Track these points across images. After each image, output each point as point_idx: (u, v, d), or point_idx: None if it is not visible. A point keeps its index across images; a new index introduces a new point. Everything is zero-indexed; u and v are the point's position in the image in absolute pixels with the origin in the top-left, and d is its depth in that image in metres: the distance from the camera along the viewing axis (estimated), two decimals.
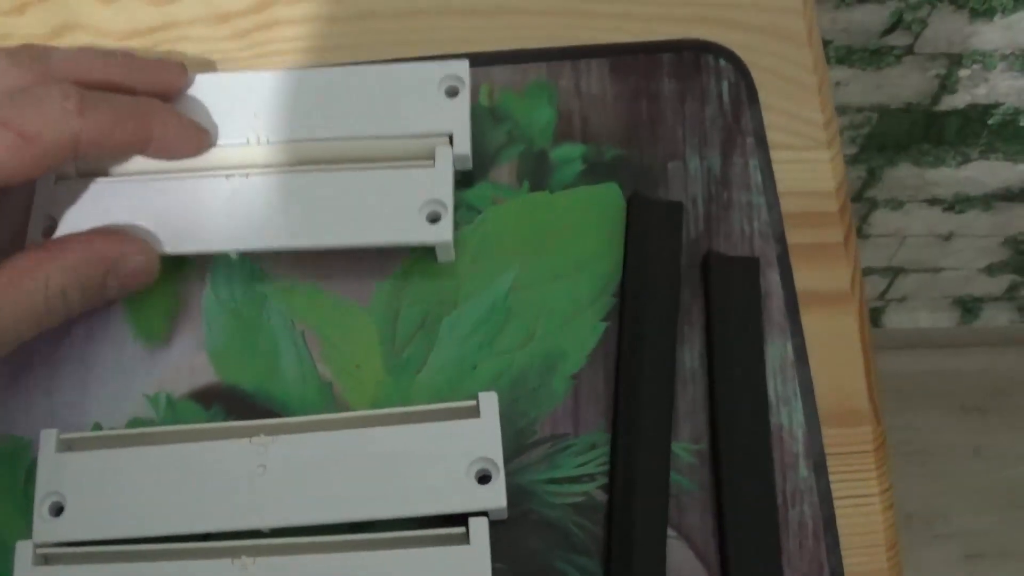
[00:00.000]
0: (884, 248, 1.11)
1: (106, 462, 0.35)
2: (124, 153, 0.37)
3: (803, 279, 0.39)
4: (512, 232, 0.40)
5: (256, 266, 0.39)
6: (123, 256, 0.36)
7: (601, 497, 0.36)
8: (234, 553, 0.34)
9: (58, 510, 0.35)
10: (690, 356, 0.38)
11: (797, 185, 0.41)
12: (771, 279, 0.39)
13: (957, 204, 1.02)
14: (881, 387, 0.39)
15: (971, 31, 0.78)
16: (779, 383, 0.38)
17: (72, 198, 0.38)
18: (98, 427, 0.37)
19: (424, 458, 0.35)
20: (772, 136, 0.41)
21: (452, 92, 0.39)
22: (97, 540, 0.34)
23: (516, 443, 0.37)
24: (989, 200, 1.02)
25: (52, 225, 0.38)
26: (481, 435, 0.35)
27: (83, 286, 0.35)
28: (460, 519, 0.34)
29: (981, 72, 0.83)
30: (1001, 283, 1.19)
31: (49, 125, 0.33)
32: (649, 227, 0.39)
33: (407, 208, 0.37)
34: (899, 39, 0.78)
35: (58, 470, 0.35)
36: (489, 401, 0.36)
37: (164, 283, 0.38)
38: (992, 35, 0.79)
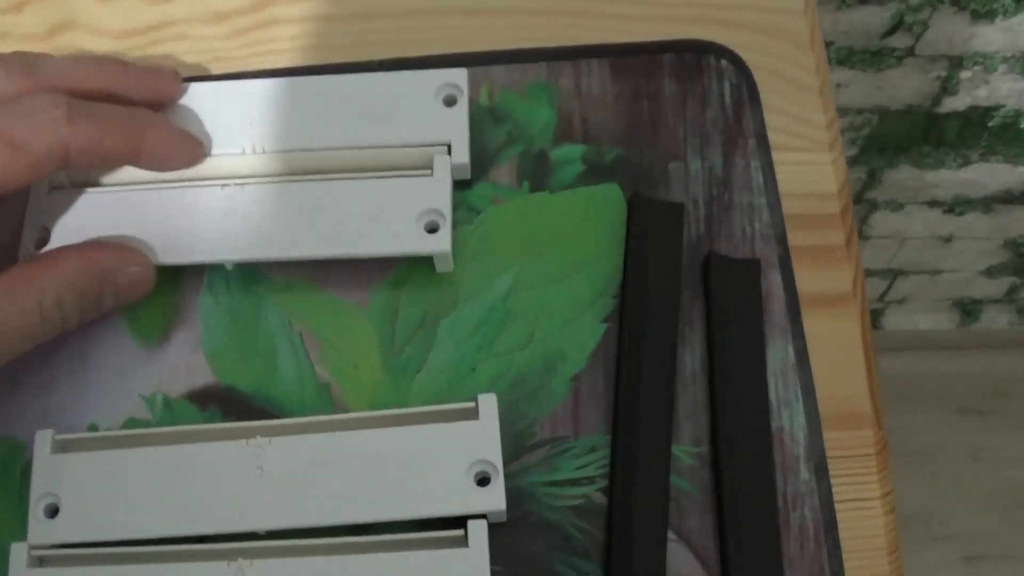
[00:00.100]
0: (884, 250, 1.11)
1: (102, 463, 0.35)
2: (116, 163, 0.36)
3: (804, 281, 0.39)
4: (512, 233, 0.39)
5: (253, 267, 0.39)
6: (119, 267, 0.36)
7: (601, 500, 0.36)
8: (231, 555, 0.34)
9: (53, 512, 0.34)
10: (691, 358, 0.38)
11: (799, 187, 0.40)
12: (772, 281, 0.39)
13: (957, 206, 1.02)
14: (882, 389, 0.39)
15: (972, 33, 0.78)
16: (780, 385, 0.38)
17: (66, 209, 0.38)
18: (94, 428, 0.37)
19: (423, 460, 0.35)
20: (774, 137, 0.41)
21: (450, 101, 0.39)
22: (93, 542, 0.34)
23: (515, 445, 0.37)
24: (989, 202, 1.02)
25: (45, 236, 0.37)
26: (480, 437, 0.35)
27: (79, 298, 0.35)
28: (459, 522, 0.34)
29: (982, 74, 0.83)
30: (1001, 285, 1.19)
31: (39, 134, 0.33)
32: (650, 228, 0.39)
33: (405, 218, 0.37)
34: (900, 41, 0.78)
35: (54, 471, 0.35)
36: (488, 403, 0.35)
37: (161, 284, 0.38)
38: (993, 37, 0.79)
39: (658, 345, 0.37)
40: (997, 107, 0.87)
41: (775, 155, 0.41)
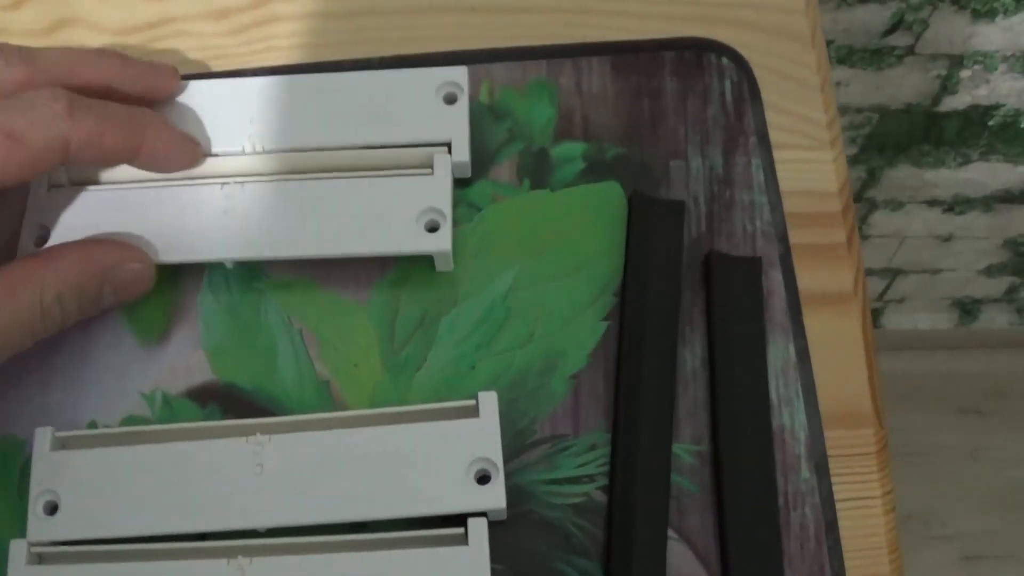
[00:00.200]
0: (883, 249, 1.11)
1: (101, 461, 0.35)
2: (115, 160, 0.36)
3: (805, 279, 0.39)
4: (512, 230, 0.39)
5: (253, 265, 0.39)
6: (119, 264, 0.36)
7: (601, 498, 0.36)
8: (230, 553, 0.34)
9: (53, 509, 0.34)
10: (691, 356, 0.38)
11: (800, 185, 0.40)
12: (773, 279, 0.39)
13: (957, 205, 1.02)
14: (882, 389, 0.39)
15: (972, 32, 0.78)
16: (781, 384, 0.38)
17: (65, 206, 0.37)
18: (93, 425, 0.37)
19: (423, 458, 0.35)
20: (775, 136, 0.41)
21: (450, 99, 0.39)
22: (92, 539, 0.34)
23: (515, 443, 0.37)
24: (989, 202, 1.02)
25: (45, 234, 0.37)
26: (480, 435, 0.35)
27: (79, 294, 0.35)
28: (459, 520, 0.34)
29: (982, 73, 0.83)
30: (1000, 285, 1.19)
31: (38, 127, 0.33)
32: (650, 226, 0.39)
33: (405, 217, 0.37)
34: (900, 39, 0.78)
35: (53, 468, 0.35)
36: (489, 400, 0.35)
37: (161, 281, 0.38)
38: (993, 36, 0.79)
39: (659, 343, 0.37)
40: (997, 106, 0.87)
41: (776, 153, 0.41)
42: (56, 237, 0.37)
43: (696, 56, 0.42)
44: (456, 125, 0.38)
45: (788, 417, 0.37)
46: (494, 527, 0.35)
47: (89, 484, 0.35)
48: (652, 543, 0.35)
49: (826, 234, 0.40)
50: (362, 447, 0.35)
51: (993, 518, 1.22)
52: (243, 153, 0.38)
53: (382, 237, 0.37)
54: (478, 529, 0.34)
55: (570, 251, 0.39)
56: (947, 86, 0.84)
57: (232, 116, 0.39)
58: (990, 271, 1.16)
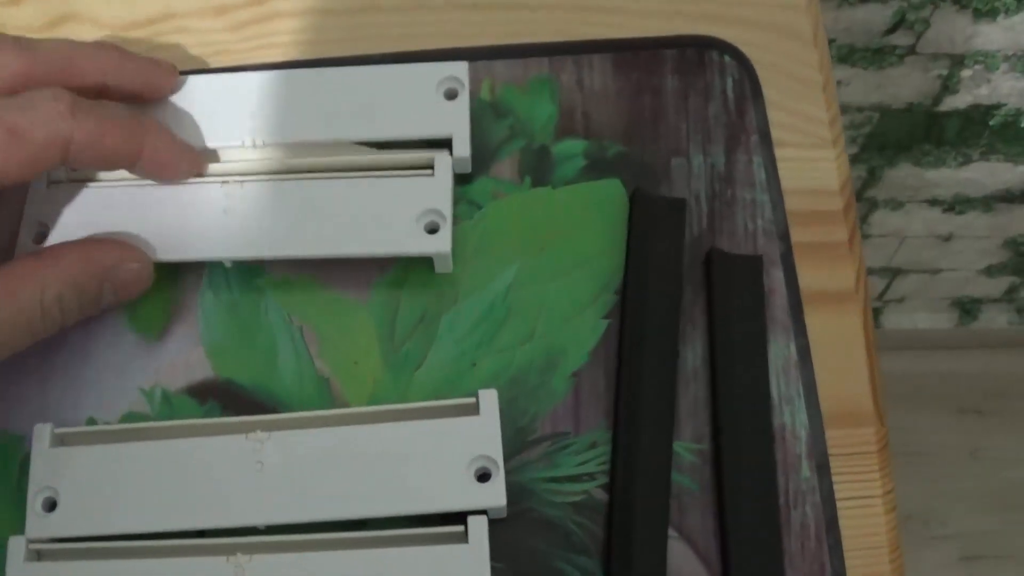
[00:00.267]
0: (883, 248, 1.11)
1: (101, 457, 0.35)
2: (115, 163, 0.36)
3: (807, 278, 0.39)
4: (513, 228, 0.39)
5: (253, 262, 0.39)
6: (119, 263, 0.36)
7: (601, 496, 0.36)
8: (229, 551, 0.34)
9: (51, 505, 0.34)
10: (692, 354, 0.38)
11: (801, 183, 0.40)
12: (775, 277, 0.39)
13: (957, 205, 1.02)
14: (883, 388, 0.39)
15: (974, 31, 0.78)
16: (782, 382, 0.37)
17: (64, 204, 0.37)
18: (92, 422, 0.37)
19: (423, 455, 0.34)
20: (776, 134, 0.41)
21: (451, 94, 0.39)
22: (91, 536, 0.34)
23: (516, 441, 0.37)
24: (989, 201, 1.02)
25: (44, 232, 0.37)
26: (481, 433, 0.35)
27: (79, 294, 0.35)
28: (459, 517, 0.34)
29: (983, 73, 0.83)
30: (1000, 285, 1.19)
31: (40, 125, 0.33)
32: (651, 224, 0.39)
33: (405, 217, 0.37)
34: (901, 39, 0.78)
35: (52, 465, 0.35)
36: (489, 398, 0.35)
37: (161, 278, 0.38)
38: (995, 36, 0.79)
39: (659, 342, 0.37)
40: (998, 106, 0.87)
41: (777, 151, 0.41)
42: (55, 234, 0.37)
43: (698, 54, 0.42)
44: (457, 120, 0.38)
45: (789, 416, 0.37)
46: (494, 525, 0.35)
47: (88, 481, 0.34)
48: (652, 541, 0.35)
49: (827, 232, 0.40)
50: (362, 445, 0.35)
51: (993, 518, 1.22)
52: (244, 147, 0.38)
53: (382, 238, 0.37)
54: (478, 527, 0.34)
55: (571, 249, 0.39)
56: (948, 85, 0.84)
57: (233, 111, 0.39)
58: (990, 271, 1.16)
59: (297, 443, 0.35)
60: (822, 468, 0.37)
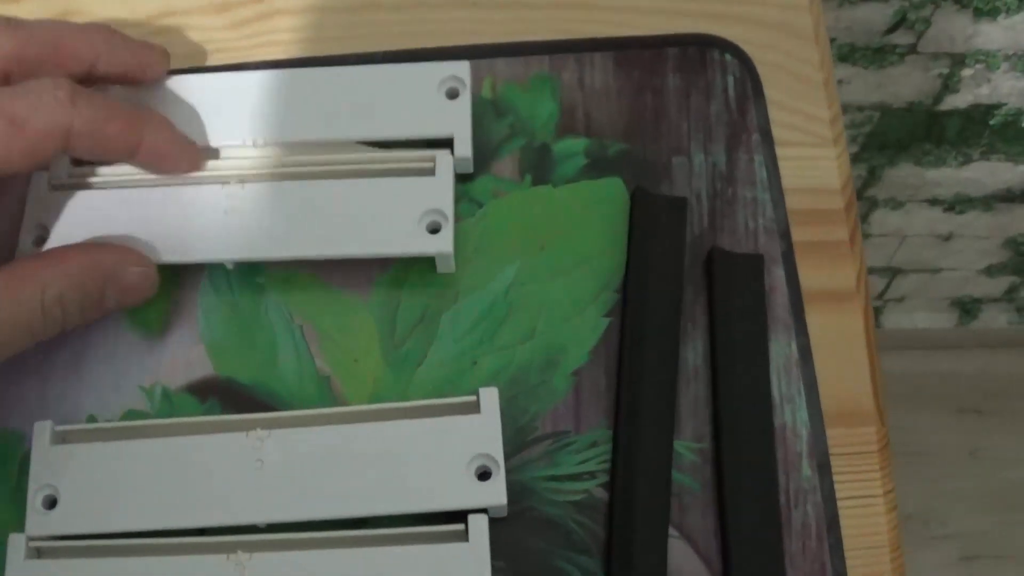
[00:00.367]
0: (883, 248, 1.10)
1: (101, 455, 0.35)
2: (114, 153, 0.36)
3: (808, 277, 0.39)
4: (514, 226, 0.39)
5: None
6: (122, 266, 0.36)
7: (602, 495, 0.36)
8: (230, 549, 0.34)
9: (51, 503, 0.34)
10: (693, 353, 0.38)
11: (802, 182, 0.40)
12: (776, 276, 0.39)
13: (957, 204, 1.02)
14: (884, 387, 0.39)
15: (974, 31, 0.78)
16: (783, 381, 0.37)
17: (65, 207, 0.37)
18: (92, 419, 0.37)
19: (423, 454, 0.34)
20: (777, 132, 0.41)
21: (453, 94, 0.39)
22: (91, 534, 0.34)
23: (516, 440, 0.36)
24: (990, 201, 1.02)
25: (44, 235, 0.37)
26: (481, 431, 0.35)
27: (82, 296, 0.35)
28: (459, 516, 0.34)
29: (984, 72, 0.83)
30: (1000, 284, 1.19)
31: (40, 113, 0.33)
32: (652, 223, 0.39)
33: (406, 218, 0.37)
34: (902, 38, 0.78)
35: (52, 463, 0.35)
36: (490, 396, 0.35)
37: (161, 275, 0.37)
38: (995, 35, 0.78)
39: (660, 340, 0.37)
40: (999, 105, 0.87)
41: (779, 150, 0.40)
42: (55, 237, 0.37)
43: (699, 52, 0.42)
44: (459, 120, 0.38)
45: (790, 415, 0.37)
46: (494, 524, 0.35)
47: (88, 479, 0.34)
48: (653, 541, 0.35)
49: (829, 231, 0.40)
50: (362, 443, 0.35)
51: (992, 518, 1.22)
52: (245, 146, 0.38)
53: (383, 238, 0.37)
54: (478, 526, 0.34)
55: (572, 247, 0.39)
56: (949, 85, 0.84)
57: (234, 109, 0.38)
58: (990, 270, 1.16)
59: (297, 441, 0.35)
60: (823, 467, 0.37)
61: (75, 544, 0.34)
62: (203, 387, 0.37)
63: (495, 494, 0.34)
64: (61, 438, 0.35)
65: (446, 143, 0.38)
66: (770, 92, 0.41)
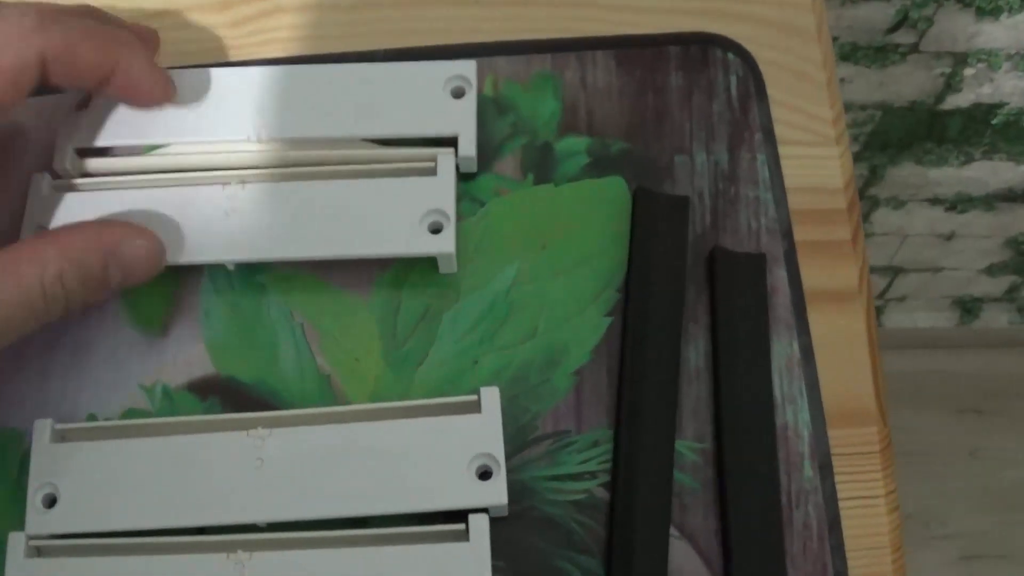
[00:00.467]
0: (885, 247, 1.10)
1: (101, 454, 0.35)
2: (89, 77, 0.35)
3: (810, 276, 0.39)
4: (515, 225, 0.39)
5: None
6: (124, 241, 0.35)
7: (603, 495, 0.36)
8: (230, 547, 0.34)
9: (51, 502, 0.34)
10: (695, 353, 0.38)
11: (805, 181, 0.40)
12: (778, 276, 0.39)
13: (959, 204, 1.02)
14: (885, 387, 0.39)
15: (977, 30, 0.78)
16: (785, 381, 0.37)
17: (65, 207, 0.37)
18: (93, 418, 0.37)
19: (424, 453, 0.34)
20: (780, 131, 0.41)
21: (458, 93, 0.39)
22: (91, 532, 0.34)
23: (517, 439, 0.36)
24: (991, 200, 1.02)
25: None
26: (482, 430, 0.35)
27: (83, 273, 0.34)
28: (460, 515, 0.34)
29: (986, 71, 0.82)
30: (1001, 284, 1.19)
31: (10, 43, 0.32)
32: (654, 222, 0.39)
33: (408, 218, 0.37)
34: (904, 37, 0.78)
35: (52, 461, 0.34)
36: (491, 396, 0.35)
37: (162, 274, 0.37)
38: (998, 34, 0.78)
39: (662, 340, 0.37)
40: (1001, 105, 0.87)
41: (781, 149, 0.40)
42: None
43: (701, 51, 0.41)
44: (463, 119, 0.38)
45: (791, 415, 0.37)
46: (495, 523, 0.35)
47: (88, 477, 0.34)
48: (654, 540, 0.35)
49: (831, 231, 0.40)
50: (363, 442, 0.35)
51: (992, 518, 1.22)
52: (248, 141, 0.38)
53: (385, 239, 0.37)
54: (479, 525, 0.34)
55: (573, 246, 0.39)
56: (951, 84, 0.84)
57: (237, 106, 0.38)
58: (991, 270, 1.16)
59: (298, 440, 0.35)
60: (825, 468, 0.36)
61: (75, 543, 0.34)
62: (204, 386, 0.37)
63: (496, 494, 0.34)
64: (61, 436, 0.35)
65: (450, 142, 0.38)
66: (772, 91, 0.41)
